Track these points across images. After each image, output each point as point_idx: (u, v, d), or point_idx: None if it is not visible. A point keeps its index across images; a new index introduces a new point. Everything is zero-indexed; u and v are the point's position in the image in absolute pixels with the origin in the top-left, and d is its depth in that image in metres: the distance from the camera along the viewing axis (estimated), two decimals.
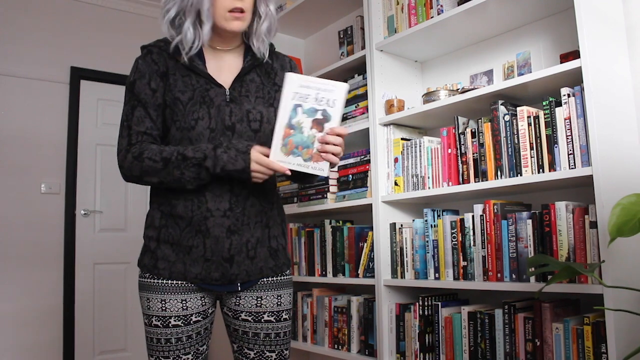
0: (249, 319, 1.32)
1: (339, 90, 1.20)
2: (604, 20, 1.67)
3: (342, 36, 2.70)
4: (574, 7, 1.59)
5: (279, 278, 1.35)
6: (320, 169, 1.21)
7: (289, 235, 2.71)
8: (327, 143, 1.20)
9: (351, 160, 2.41)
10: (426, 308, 2.01)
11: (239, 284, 1.28)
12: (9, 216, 3.32)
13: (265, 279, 1.32)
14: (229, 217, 1.25)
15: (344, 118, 2.51)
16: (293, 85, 1.18)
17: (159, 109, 1.28)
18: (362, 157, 2.36)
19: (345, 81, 2.55)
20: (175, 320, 1.24)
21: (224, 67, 1.34)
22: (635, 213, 1.27)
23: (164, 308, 1.24)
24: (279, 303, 1.33)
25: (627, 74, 1.72)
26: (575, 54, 1.70)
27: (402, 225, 2.15)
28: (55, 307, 3.41)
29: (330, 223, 2.49)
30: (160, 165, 1.21)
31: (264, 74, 1.37)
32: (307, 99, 1.18)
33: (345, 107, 2.51)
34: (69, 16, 3.67)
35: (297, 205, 2.65)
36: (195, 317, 1.27)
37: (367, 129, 2.29)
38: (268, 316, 1.31)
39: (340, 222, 2.51)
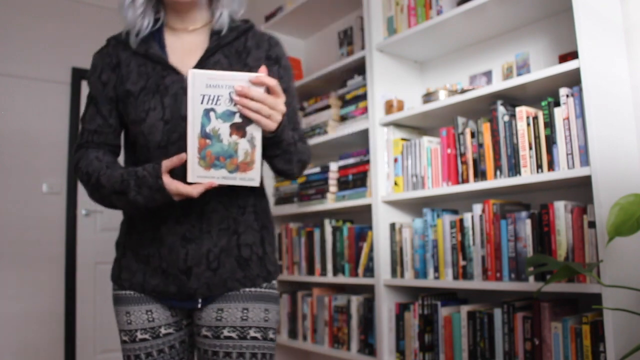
0: (209, 334, 1.12)
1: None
2: (602, 22, 1.67)
3: (342, 37, 2.72)
4: (573, 9, 1.60)
5: (250, 290, 1.13)
6: (250, 178, 1.02)
7: (288, 235, 2.72)
8: (245, 96, 0.97)
9: (351, 161, 2.42)
10: (425, 307, 2.02)
11: (199, 300, 1.12)
12: (11, 216, 3.33)
13: (231, 292, 1.13)
14: (183, 224, 1.10)
15: (343, 118, 2.52)
16: (198, 86, 0.98)
17: (111, 104, 1.16)
18: (361, 157, 2.37)
19: (345, 82, 2.56)
20: (141, 334, 1.13)
21: (186, 50, 1.16)
22: (633, 213, 1.28)
23: (129, 321, 1.14)
24: (244, 317, 1.11)
25: (625, 75, 1.73)
26: (574, 55, 1.71)
27: (401, 225, 2.15)
28: (57, 306, 3.42)
29: (330, 223, 2.50)
30: (85, 179, 1.13)
31: (234, 54, 1.16)
32: (219, 101, 0.98)
33: (346, 107, 2.53)
34: (70, 17, 3.68)
35: (297, 205, 2.65)
36: (165, 329, 1.14)
37: (367, 129, 2.30)
38: (229, 331, 1.11)
39: (340, 222, 2.52)
